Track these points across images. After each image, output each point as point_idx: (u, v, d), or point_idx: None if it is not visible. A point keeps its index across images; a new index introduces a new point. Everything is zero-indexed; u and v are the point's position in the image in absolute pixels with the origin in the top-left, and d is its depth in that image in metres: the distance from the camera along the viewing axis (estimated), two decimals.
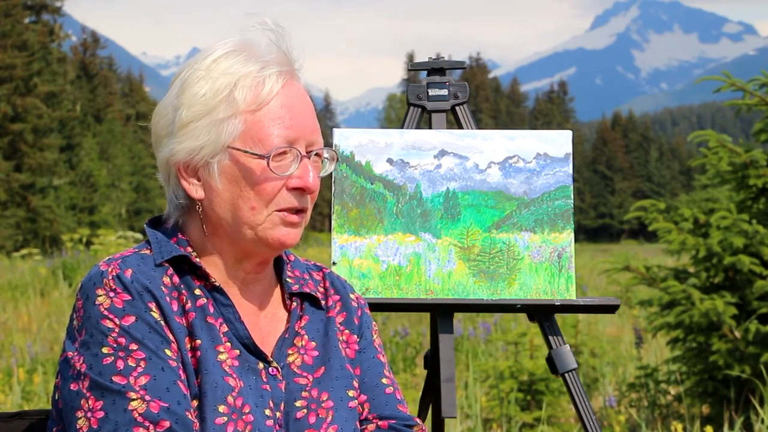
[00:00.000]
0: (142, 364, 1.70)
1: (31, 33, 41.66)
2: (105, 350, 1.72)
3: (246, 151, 1.78)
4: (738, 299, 6.49)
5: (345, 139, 2.76)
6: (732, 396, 6.43)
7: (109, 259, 1.80)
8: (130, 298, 1.74)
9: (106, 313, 1.73)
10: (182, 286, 1.81)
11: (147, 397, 1.68)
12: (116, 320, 1.73)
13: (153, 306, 1.75)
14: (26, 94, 40.59)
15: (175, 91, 1.82)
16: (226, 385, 1.75)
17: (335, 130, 2.77)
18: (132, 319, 1.73)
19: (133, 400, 1.67)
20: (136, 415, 1.66)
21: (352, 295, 2.02)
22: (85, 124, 50.83)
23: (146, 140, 59.81)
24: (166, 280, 1.80)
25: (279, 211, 1.80)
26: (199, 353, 1.76)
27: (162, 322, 1.75)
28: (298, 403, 1.82)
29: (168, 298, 1.78)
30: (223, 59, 1.81)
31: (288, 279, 1.93)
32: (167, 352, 1.72)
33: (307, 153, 1.82)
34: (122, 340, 1.72)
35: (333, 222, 2.72)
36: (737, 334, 6.38)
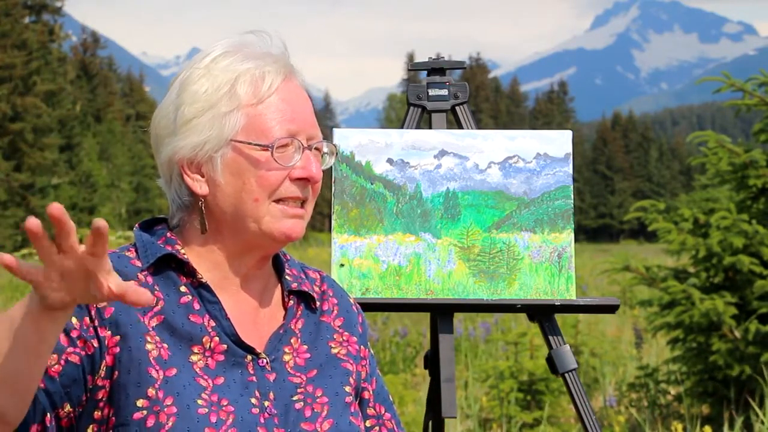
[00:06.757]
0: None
1: (30, 33, 41.64)
2: None
3: (249, 143, 1.82)
4: (738, 299, 6.49)
5: (345, 139, 2.76)
6: (732, 396, 6.43)
7: None
8: None
9: None
10: (156, 287, 1.82)
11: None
12: None
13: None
14: (25, 94, 40.56)
15: (175, 91, 1.87)
16: (197, 385, 1.77)
17: (335, 130, 2.77)
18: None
19: None
20: None
21: (351, 300, 2.05)
22: (85, 124, 50.83)
23: (146, 140, 59.72)
24: (141, 276, 1.82)
25: (280, 201, 1.83)
26: (164, 351, 1.78)
27: (102, 310, 1.75)
28: (295, 397, 1.86)
29: None
30: (221, 58, 1.86)
31: (287, 277, 1.95)
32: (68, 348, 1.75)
33: (307, 146, 1.86)
34: None
35: (333, 222, 2.72)
36: (737, 334, 6.38)
